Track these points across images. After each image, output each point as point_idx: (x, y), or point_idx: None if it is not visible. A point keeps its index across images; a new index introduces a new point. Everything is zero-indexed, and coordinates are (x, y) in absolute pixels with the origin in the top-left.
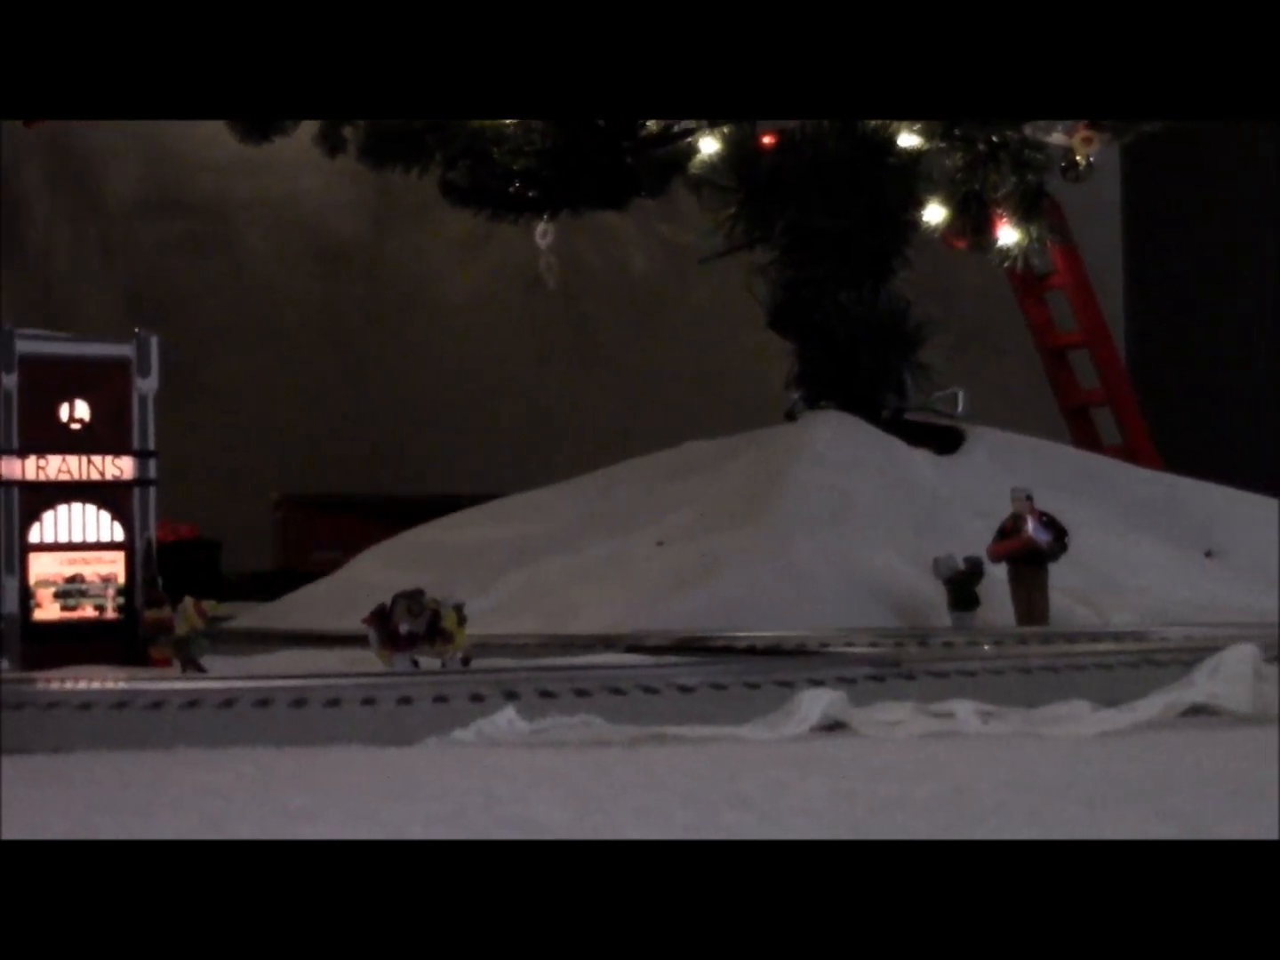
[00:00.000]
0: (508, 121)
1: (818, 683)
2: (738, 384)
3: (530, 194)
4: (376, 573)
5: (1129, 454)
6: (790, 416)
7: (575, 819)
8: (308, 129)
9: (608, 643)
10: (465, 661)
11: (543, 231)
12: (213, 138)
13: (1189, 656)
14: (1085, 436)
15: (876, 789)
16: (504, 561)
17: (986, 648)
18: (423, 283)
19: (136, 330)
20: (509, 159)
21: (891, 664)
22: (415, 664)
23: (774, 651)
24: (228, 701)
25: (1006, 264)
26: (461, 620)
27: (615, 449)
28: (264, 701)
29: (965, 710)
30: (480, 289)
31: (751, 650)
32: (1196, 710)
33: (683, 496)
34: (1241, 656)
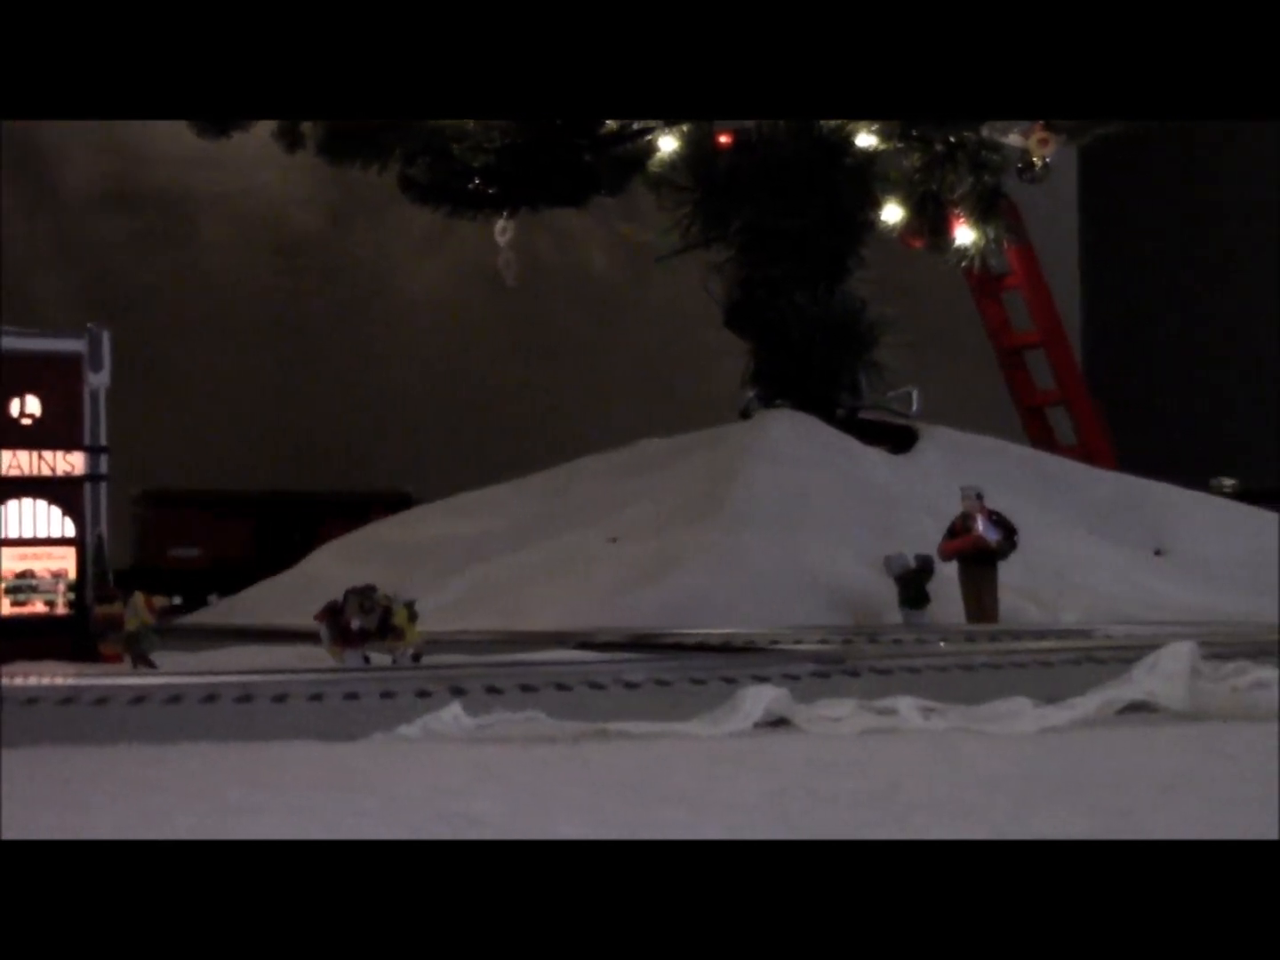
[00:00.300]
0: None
1: (762, 679)
2: (694, 382)
3: (490, 191)
4: (332, 569)
5: (1084, 453)
6: (745, 415)
7: (511, 814)
8: (267, 125)
9: (559, 639)
10: (416, 658)
11: (502, 228)
12: (171, 132)
13: (1131, 654)
14: (1041, 436)
15: (812, 784)
16: (460, 558)
17: (942, 644)
18: (382, 278)
19: (88, 325)
20: (469, 156)
21: (836, 661)
22: (366, 660)
23: (724, 648)
24: (174, 697)
25: (963, 264)
26: (413, 617)
27: (572, 446)
28: (211, 697)
29: (907, 707)
30: (439, 285)
31: (702, 647)
32: (1135, 707)
33: (638, 494)
34: (1179, 654)
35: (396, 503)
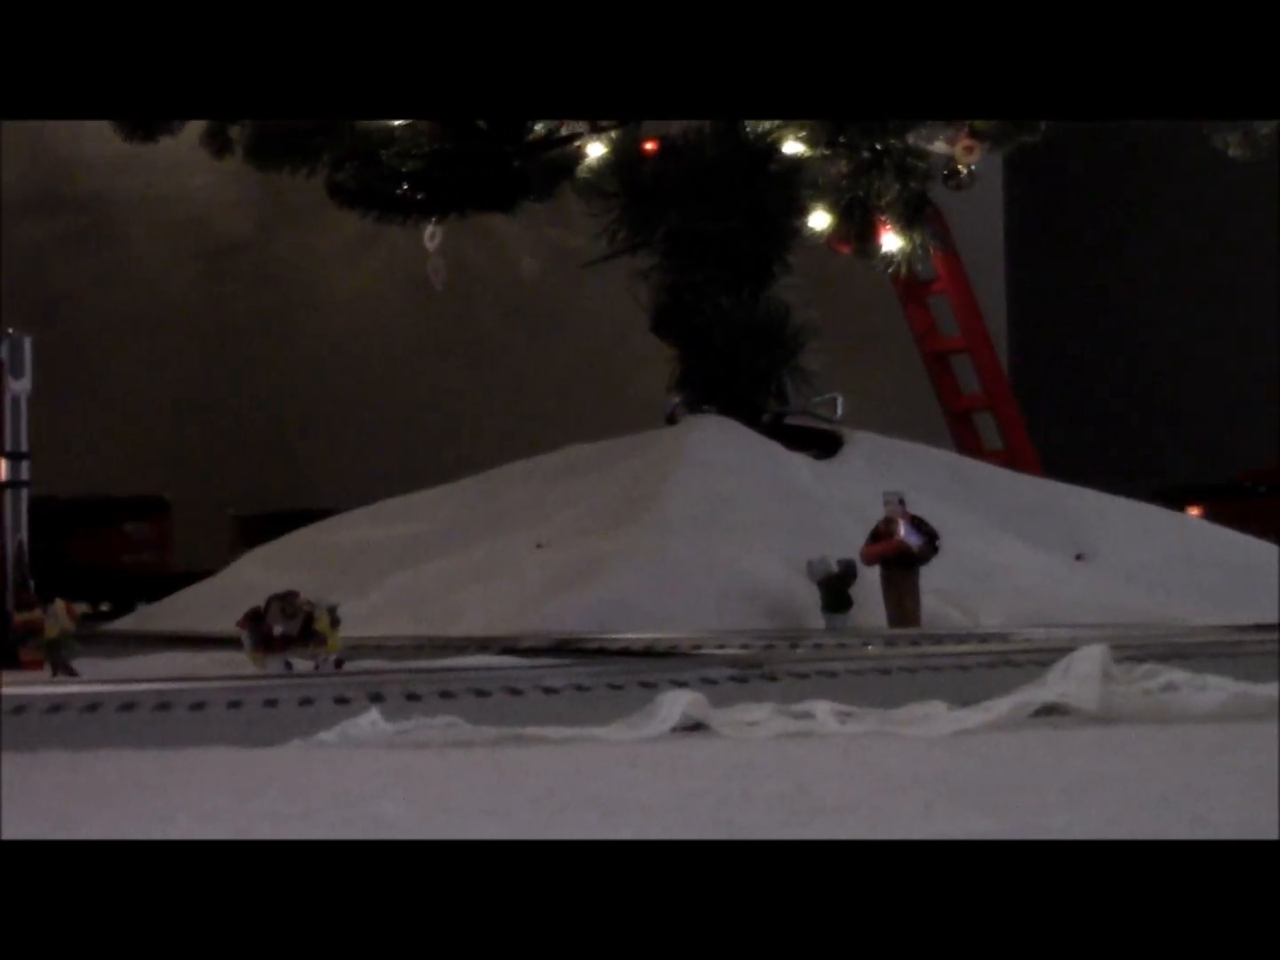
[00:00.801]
0: (395, 123)
1: (681, 684)
2: (621, 387)
3: (418, 196)
4: (257, 574)
5: (1010, 458)
6: (671, 420)
7: (424, 818)
8: (194, 128)
9: (483, 645)
10: (338, 664)
11: (431, 234)
12: (97, 136)
13: (1047, 657)
14: (967, 441)
15: (724, 787)
16: (385, 564)
17: (869, 648)
18: (309, 284)
19: (9, 330)
20: (397, 161)
21: (754, 666)
22: (289, 666)
23: (647, 653)
24: (92, 706)
25: (890, 270)
26: (335, 622)
27: (500, 451)
28: (129, 705)
29: (823, 711)
30: (367, 290)
31: (626, 652)
32: (1049, 710)
33: (564, 499)
34: (1091, 657)
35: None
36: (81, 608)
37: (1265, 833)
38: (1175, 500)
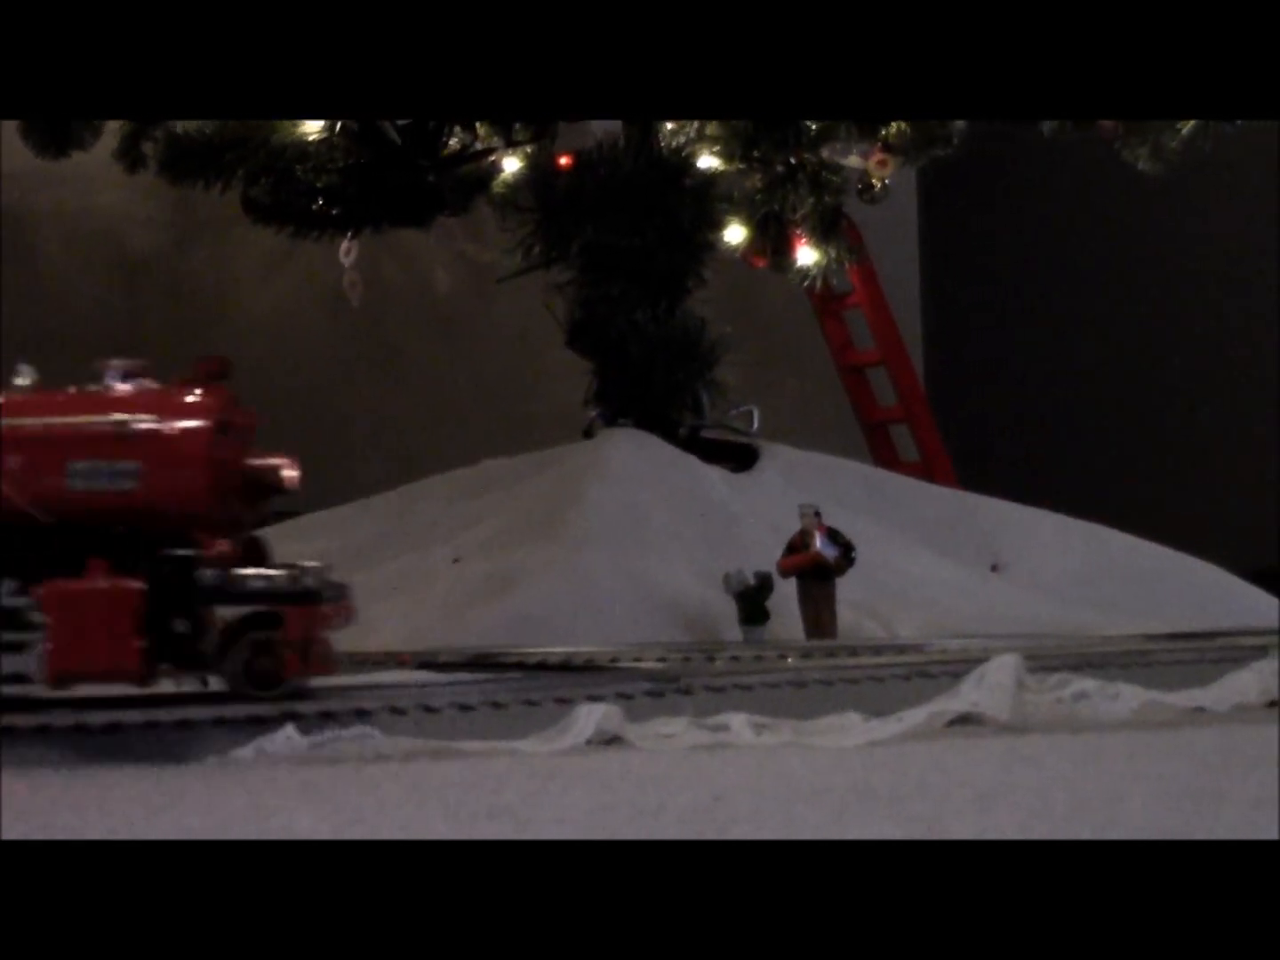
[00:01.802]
0: (310, 138)
1: (597, 699)
2: (537, 401)
3: (333, 212)
4: None
5: (926, 470)
6: (588, 434)
7: (334, 831)
8: (107, 143)
9: (399, 660)
10: None
11: (346, 249)
12: (7, 149)
13: (961, 668)
14: (884, 453)
15: (637, 798)
16: None
17: (789, 660)
18: (224, 299)
19: None
20: (311, 176)
21: (670, 680)
22: (205, 684)
23: (564, 666)
24: (5, 730)
25: (806, 283)
26: None
27: (416, 466)
28: (42, 729)
29: (739, 722)
30: (282, 306)
31: (542, 666)
32: (963, 719)
33: (480, 513)
34: (1004, 666)
35: None
36: None
37: (1174, 837)
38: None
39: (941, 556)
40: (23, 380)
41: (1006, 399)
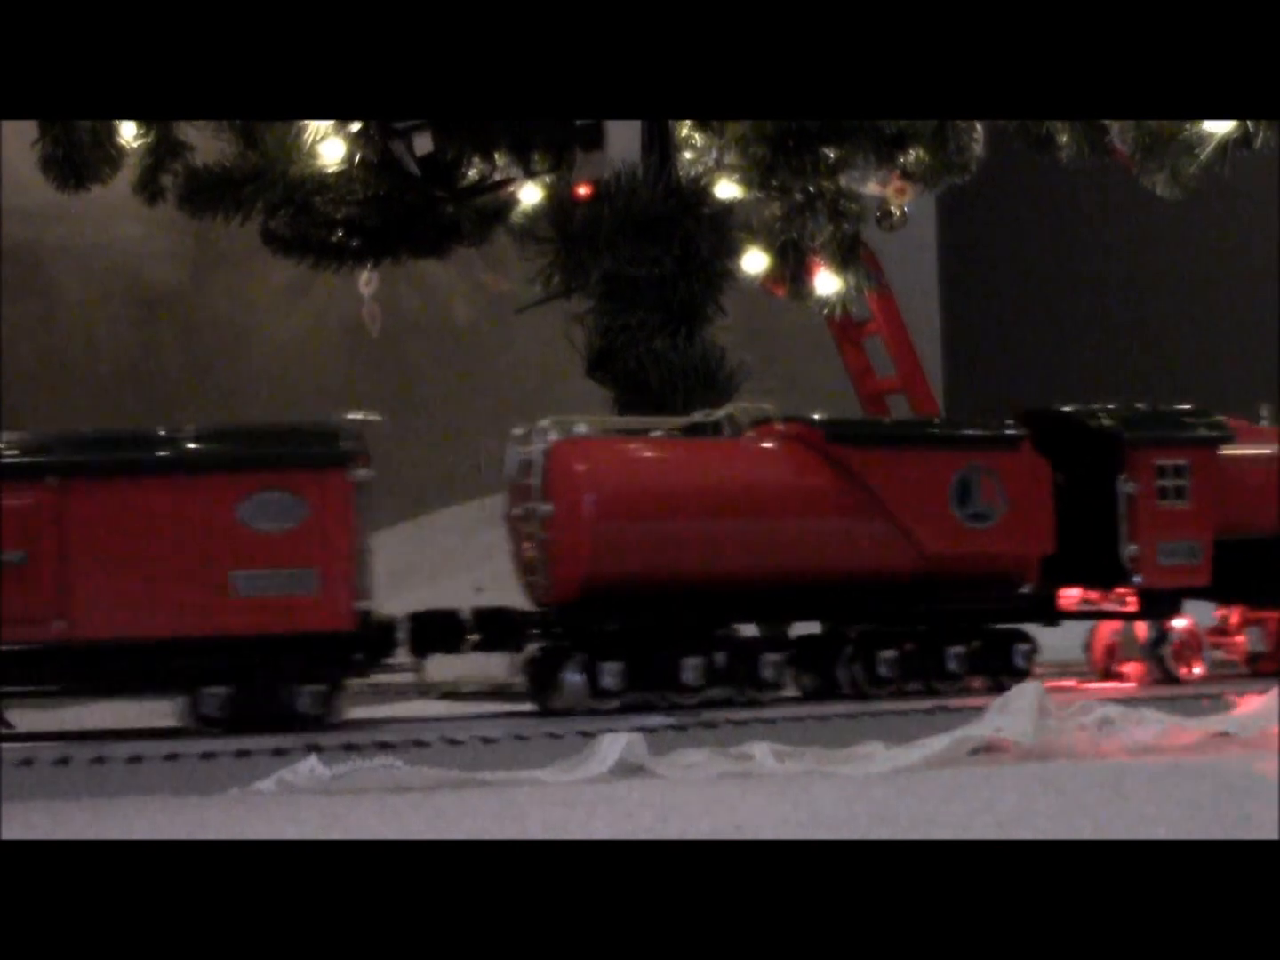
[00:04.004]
0: (329, 170)
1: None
2: None
3: (353, 243)
4: None
5: None
6: None
7: None
8: (125, 177)
9: (422, 690)
10: None
11: (366, 280)
12: (25, 185)
13: (984, 701)
14: None
15: (659, 827)
16: None
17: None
18: (243, 331)
19: None
20: (331, 207)
21: (692, 714)
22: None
23: None
24: (26, 761)
25: (825, 311)
26: None
27: (435, 496)
28: (63, 760)
29: (762, 751)
30: (302, 337)
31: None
32: (988, 747)
33: (501, 544)
34: (1026, 692)
35: None
36: None
37: None
38: None
39: None
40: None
41: None
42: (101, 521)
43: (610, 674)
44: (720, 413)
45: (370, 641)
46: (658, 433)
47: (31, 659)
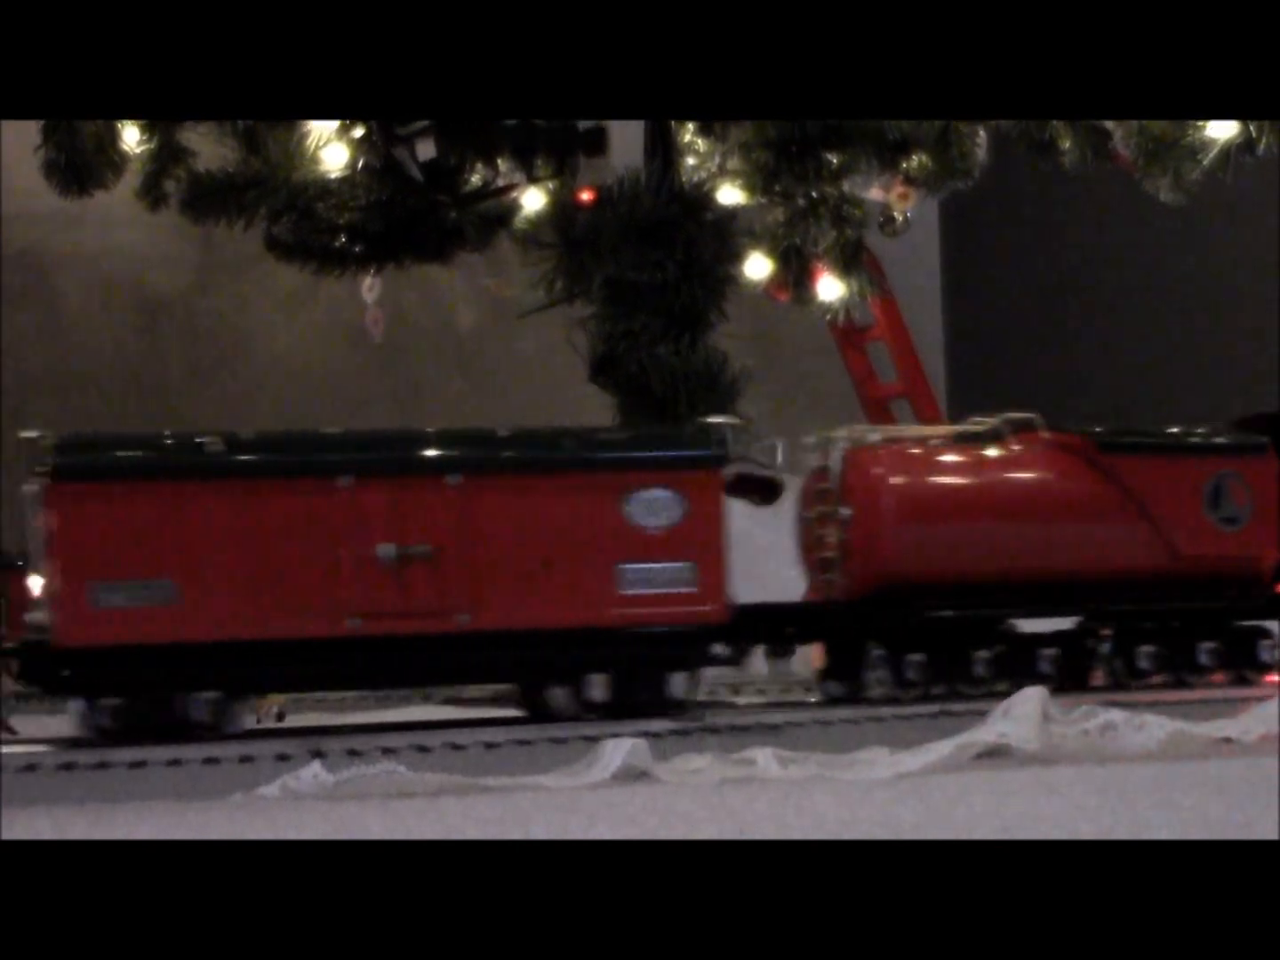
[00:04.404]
0: (332, 175)
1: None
2: None
3: (355, 248)
4: None
5: None
6: None
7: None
8: (128, 183)
9: (424, 695)
10: (279, 716)
11: (369, 285)
12: (28, 190)
13: (988, 706)
14: None
15: (662, 833)
16: None
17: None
18: (246, 336)
19: None
20: (334, 213)
21: (695, 718)
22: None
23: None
24: (29, 766)
25: (828, 316)
26: None
27: None
28: (67, 765)
29: (765, 757)
30: (304, 343)
31: None
32: (989, 752)
33: None
34: (1029, 698)
35: None
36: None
37: None
38: None
39: None
40: None
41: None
42: (501, 517)
43: (913, 666)
44: (990, 421)
45: (741, 633)
46: (935, 441)
47: (437, 650)
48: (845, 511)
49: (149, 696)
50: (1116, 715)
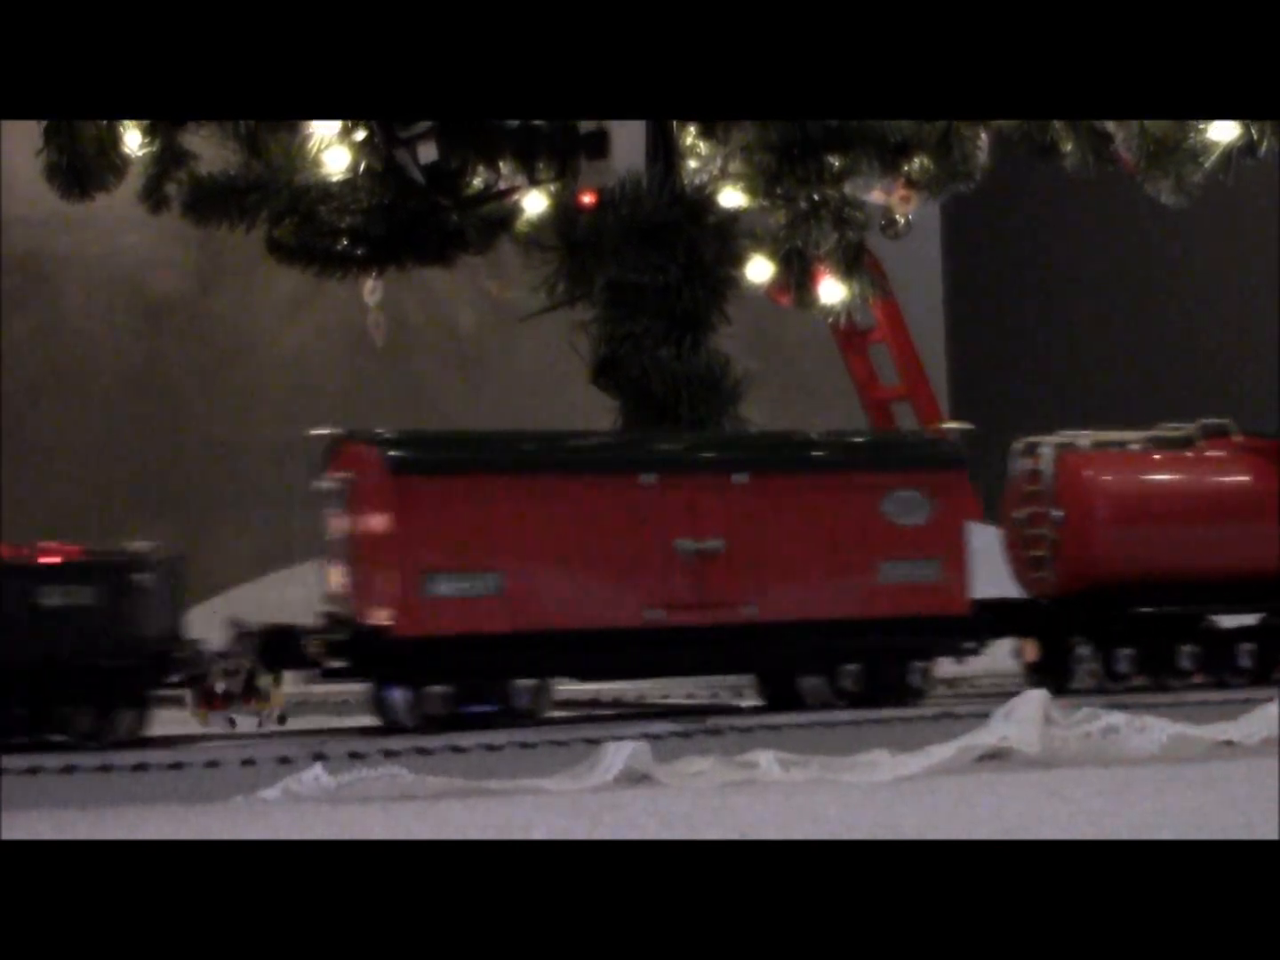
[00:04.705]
0: (334, 179)
1: (624, 739)
2: None
3: (357, 251)
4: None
5: None
6: None
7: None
8: (130, 186)
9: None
10: (282, 719)
11: (371, 288)
12: (29, 193)
13: (989, 706)
14: None
15: (664, 835)
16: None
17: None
18: (248, 340)
19: None
20: (335, 216)
21: (697, 720)
22: (232, 723)
23: (590, 703)
24: (32, 770)
25: (829, 319)
26: (278, 679)
27: None
28: (68, 769)
29: (767, 759)
30: (306, 346)
31: (568, 703)
32: (991, 754)
33: None
34: (1032, 701)
35: None
36: None
37: None
38: None
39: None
40: None
41: (1033, 434)
42: (780, 514)
43: (1123, 659)
44: (1185, 427)
45: (982, 625)
46: (1137, 446)
47: (727, 640)
48: (1057, 513)
49: (476, 684)
50: (1118, 718)
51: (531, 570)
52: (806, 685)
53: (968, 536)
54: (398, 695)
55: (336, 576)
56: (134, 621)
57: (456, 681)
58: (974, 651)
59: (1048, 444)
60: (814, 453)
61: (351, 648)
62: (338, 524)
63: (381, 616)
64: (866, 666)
